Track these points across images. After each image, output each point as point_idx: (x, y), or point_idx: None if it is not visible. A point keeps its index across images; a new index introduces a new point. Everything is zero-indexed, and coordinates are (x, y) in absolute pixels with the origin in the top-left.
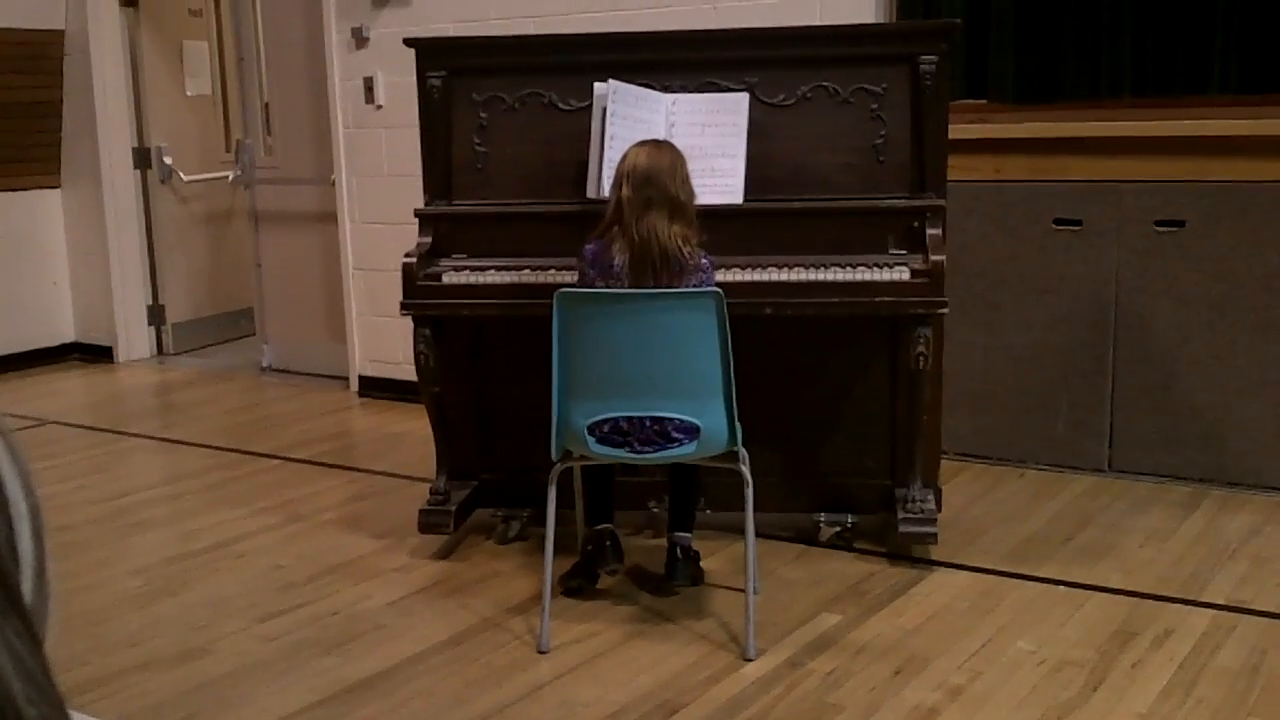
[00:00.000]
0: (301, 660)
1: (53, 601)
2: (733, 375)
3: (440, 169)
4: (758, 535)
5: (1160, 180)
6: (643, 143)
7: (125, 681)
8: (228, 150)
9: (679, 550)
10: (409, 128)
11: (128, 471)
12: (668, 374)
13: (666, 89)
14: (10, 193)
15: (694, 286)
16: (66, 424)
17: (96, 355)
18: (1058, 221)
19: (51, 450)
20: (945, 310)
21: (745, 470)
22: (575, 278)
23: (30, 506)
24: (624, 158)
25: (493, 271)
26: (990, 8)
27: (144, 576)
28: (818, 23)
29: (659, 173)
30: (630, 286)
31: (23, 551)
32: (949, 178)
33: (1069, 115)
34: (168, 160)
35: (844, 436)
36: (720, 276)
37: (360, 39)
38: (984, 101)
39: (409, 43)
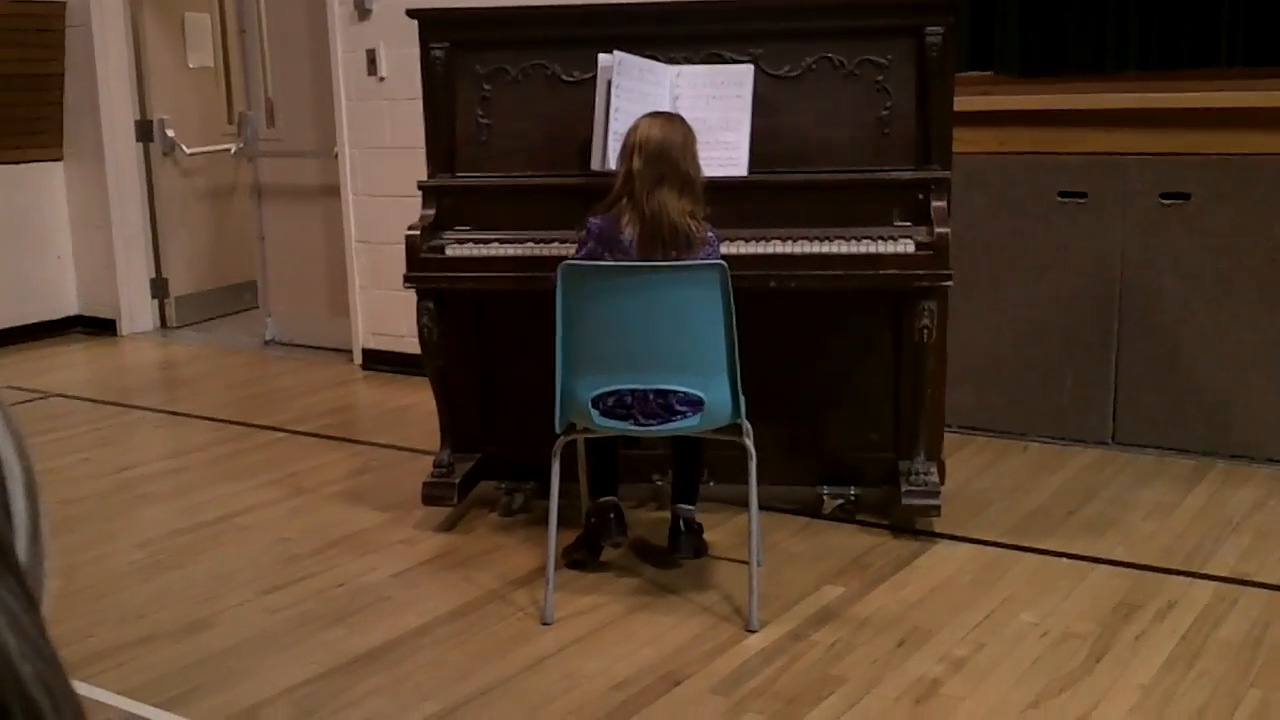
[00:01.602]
0: (306, 632)
1: (49, 563)
2: (736, 348)
3: (443, 141)
4: (761, 508)
5: (1166, 153)
6: (654, 115)
7: (130, 654)
8: (230, 123)
9: (682, 523)
10: (412, 100)
11: (131, 445)
12: (672, 347)
13: (671, 61)
14: (13, 165)
15: (702, 259)
16: (70, 397)
17: (99, 329)
18: (1063, 194)
19: (55, 423)
20: (950, 283)
21: (749, 443)
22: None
23: (24, 468)
24: (634, 129)
25: (497, 244)
26: None
27: (148, 549)
28: None
29: (672, 147)
30: (638, 260)
31: (16, 512)
32: (954, 150)
33: (1074, 88)
34: (170, 133)
35: (848, 409)
36: (724, 249)
37: (362, 11)
38: (989, 74)
39: (411, 14)
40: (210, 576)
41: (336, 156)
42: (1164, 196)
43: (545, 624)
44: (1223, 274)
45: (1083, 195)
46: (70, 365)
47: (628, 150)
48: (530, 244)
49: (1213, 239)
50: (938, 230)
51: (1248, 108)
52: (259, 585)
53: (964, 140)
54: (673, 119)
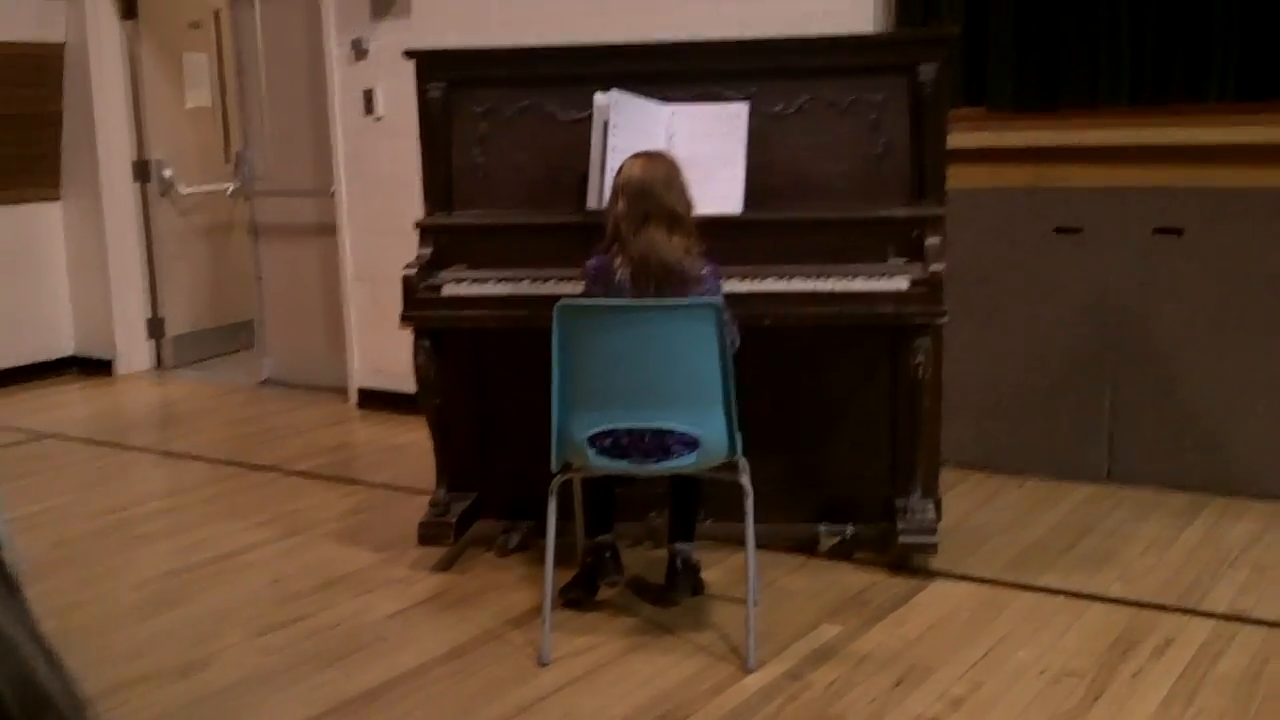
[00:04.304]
0: (302, 673)
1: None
2: (733, 385)
3: (440, 180)
4: (758, 546)
5: (1160, 187)
6: (636, 155)
7: (126, 695)
8: (227, 162)
9: (679, 561)
10: (409, 139)
11: (128, 484)
12: (668, 385)
13: (666, 99)
14: (10, 205)
15: (700, 296)
16: (66, 437)
17: (96, 368)
18: (1058, 229)
19: (51, 464)
20: (944, 320)
21: (745, 480)
22: (574, 288)
23: None
24: (619, 171)
25: (493, 283)
26: (988, 16)
27: (144, 590)
28: (816, 33)
29: (654, 184)
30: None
31: None
32: (948, 186)
33: (1068, 123)
34: (167, 173)
35: (844, 446)
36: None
37: (360, 51)
38: (983, 109)
39: (409, 54)
40: (206, 616)
41: (333, 195)
42: (1158, 230)
43: (542, 664)
44: (1218, 307)
45: (1078, 230)
46: (66, 405)
47: (614, 193)
48: (527, 282)
49: (1207, 272)
50: (932, 267)
51: (1240, 143)
52: (255, 625)
53: (959, 175)
54: (654, 156)
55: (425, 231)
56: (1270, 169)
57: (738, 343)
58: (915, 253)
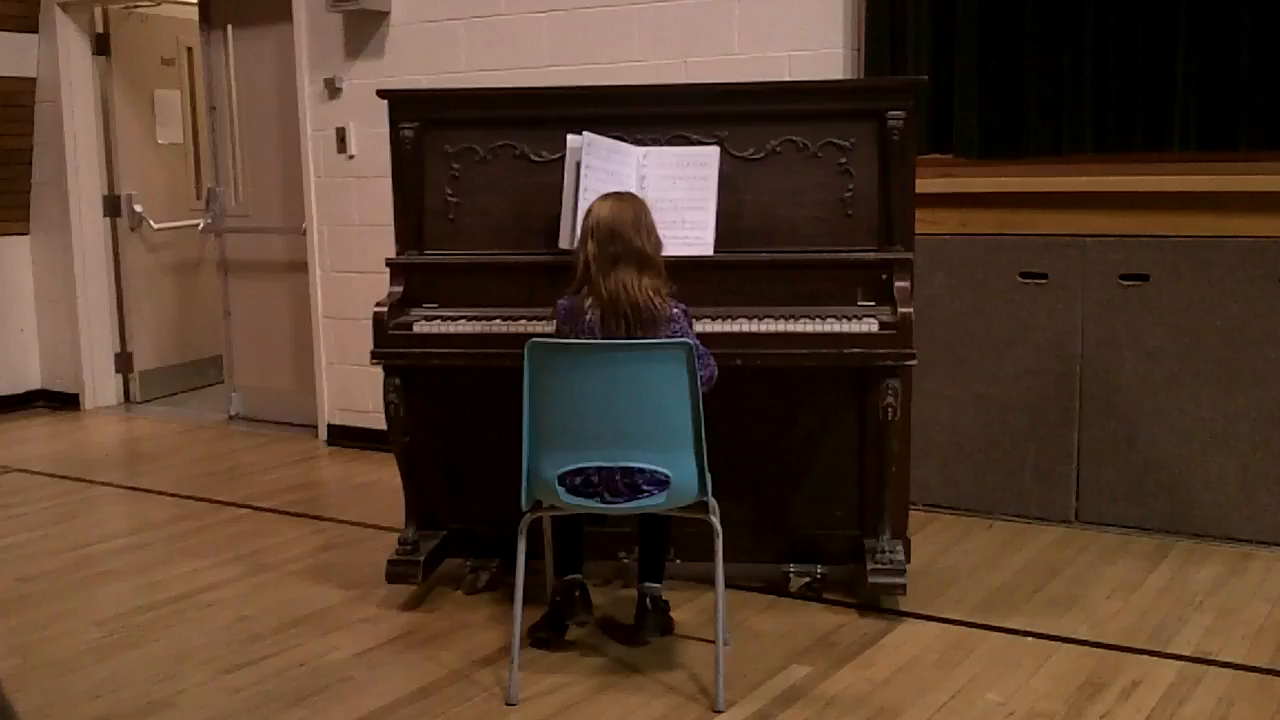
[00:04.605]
0: (267, 713)
1: None
2: (703, 426)
3: (412, 219)
4: (727, 586)
5: (1124, 235)
6: (605, 196)
7: None
8: (198, 198)
9: (648, 601)
10: (381, 178)
11: (93, 521)
12: (638, 424)
13: (638, 142)
14: None
15: (669, 337)
16: (31, 472)
17: (63, 403)
18: (1023, 274)
19: (15, 499)
20: (913, 362)
21: (715, 520)
22: (545, 327)
23: None
24: (588, 213)
25: (464, 321)
26: (955, 65)
27: (107, 627)
28: (786, 78)
29: (624, 226)
30: (602, 340)
31: None
32: (916, 231)
33: (1033, 170)
34: (138, 208)
35: (813, 487)
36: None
37: (333, 90)
38: (949, 156)
39: (382, 94)
40: (170, 655)
41: (305, 232)
42: (1123, 277)
43: (510, 705)
44: (1182, 353)
45: (1043, 275)
46: (32, 440)
47: (583, 235)
48: (497, 321)
49: (1171, 319)
50: (901, 310)
51: (1204, 191)
52: (219, 664)
53: (926, 221)
54: (622, 197)
55: (396, 270)
56: (1233, 217)
57: (714, 378)
58: (884, 296)
